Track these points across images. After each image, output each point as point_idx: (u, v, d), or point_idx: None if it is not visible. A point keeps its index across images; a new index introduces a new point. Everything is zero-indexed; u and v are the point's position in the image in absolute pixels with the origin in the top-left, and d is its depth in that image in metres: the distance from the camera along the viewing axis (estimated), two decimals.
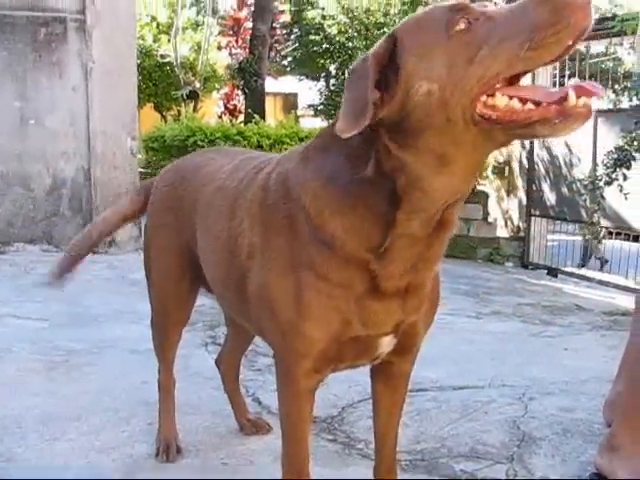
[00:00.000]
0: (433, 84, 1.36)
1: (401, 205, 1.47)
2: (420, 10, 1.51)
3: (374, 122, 1.41)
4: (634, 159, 5.95)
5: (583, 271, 7.30)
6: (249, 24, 17.43)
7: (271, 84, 18.18)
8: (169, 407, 2.52)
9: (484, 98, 1.35)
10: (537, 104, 1.33)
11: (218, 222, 1.94)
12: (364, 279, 1.57)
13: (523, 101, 1.34)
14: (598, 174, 6.23)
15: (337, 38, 16.01)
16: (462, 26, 1.35)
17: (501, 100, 1.35)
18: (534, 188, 7.76)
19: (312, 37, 16.39)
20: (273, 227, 1.67)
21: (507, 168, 8.17)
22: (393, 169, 1.45)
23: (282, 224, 1.64)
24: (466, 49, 1.34)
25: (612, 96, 6.82)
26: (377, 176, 1.48)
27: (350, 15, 15.60)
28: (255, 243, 1.73)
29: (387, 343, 1.71)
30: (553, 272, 7.47)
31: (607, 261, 8.02)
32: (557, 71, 7.36)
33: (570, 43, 1.30)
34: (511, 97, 1.34)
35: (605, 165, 6.11)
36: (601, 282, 6.75)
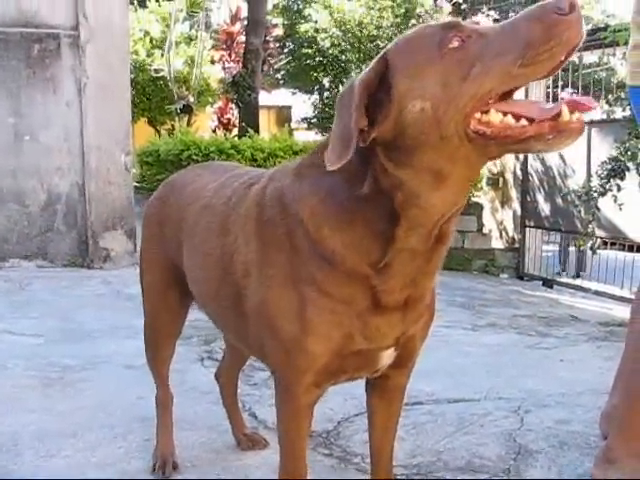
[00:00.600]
0: (426, 102, 1.37)
1: (399, 221, 1.48)
2: (411, 28, 1.52)
3: (367, 143, 1.42)
4: (628, 169, 5.98)
5: (579, 282, 7.32)
6: (242, 38, 17.51)
7: (265, 97, 18.24)
8: (167, 423, 2.52)
9: (478, 115, 1.36)
10: (531, 120, 1.34)
11: (207, 240, 1.94)
12: (365, 294, 1.58)
13: (517, 117, 1.35)
14: (592, 185, 6.25)
15: (330, 51, 16.10)
16: (455, 44, 1.36)
17: (495, 116, 1.36)
18: (528, 199, 7.78)
19: (305, 50, 16.48)
20: (271, 243, 1.67)
21: (501, 179, 8.20)
22: (390, 187, 1.46)
23: (280, 240, 1.65)
24: (459, 66, 1.35)
25: (605, 107, 6.86)
26: (374, 194, 1.49)
27: (343, 28, 15.68)
28: (251, 260, 1.73)
29: (388, 356, 1.71)
30: (548, 283, 7.49)
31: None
32: (550, 82, 7.40)
33: (562, 59, 1.31)
34: (505, 113, 1.36)
35: (599, 176, 6.14)
36: (597, 293, 6.76)
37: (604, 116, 6.82)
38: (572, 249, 7.88)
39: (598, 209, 6.32)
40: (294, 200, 1.62)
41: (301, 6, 17.83)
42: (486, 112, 1.36)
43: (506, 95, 1.39)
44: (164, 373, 2.50)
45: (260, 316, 1.70)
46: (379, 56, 1.45)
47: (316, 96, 17.78)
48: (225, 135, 14.33)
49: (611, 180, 6.05)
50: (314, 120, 17.64)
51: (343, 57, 15.98)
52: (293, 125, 20.02)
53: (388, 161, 1.45)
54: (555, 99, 8.02)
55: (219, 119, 19.01)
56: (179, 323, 2.41)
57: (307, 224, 1.58)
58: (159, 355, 2.47)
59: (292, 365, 1.67)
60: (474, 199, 8.33)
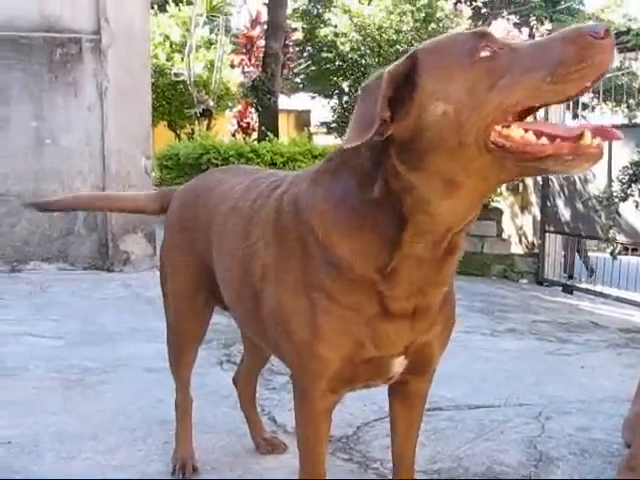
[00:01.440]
0: (450, 106, 1.36)
1: (406, 226, 1.49)
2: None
3: (383, 138, 1.42)
4: None
5: (599, 287, 7.25)
6: (262, 42, 17.52)
7: (284, 101, 18.26)
8: (186, 426, 2.52)
9: (499, 127, 1.36)
10: (552, 139, 1.34)
11: (232, 241, 1.95)
12: (373, 301, 1.58)
13: (538, 135, 1.35)
14: (613, 190, 6.21)
15: (350, 55, 16.10)
16: (486, 53, 1.37)
17: (516, 131, 1.36)
18: (548, 204, 7.74)
19: (325, 54, 16.49)
20: (286, 248, 1.68)
21: (521, 184, 8.16)
22: (400, 190, 1.46)
23: (294, 246, 1.66)
24: (488, 76, 1.35)
25: (627, 111, 6.81)
26: (384, 197, 1.49)
27: (363, 32, 15.68)
28: (268, 264, 1.74)
29: (399, 364, 1.71)
30: (568, 289, 7.43)
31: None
32: None
33: (591, 82, 1.32)
34: (526, 130, 1.36)
35: (620, 181, 6.09)
36: (617, 299, 6.71)
37: (625, 120, 6.77)
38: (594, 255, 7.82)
39: (619, 214, 6.27)
40: (307, 207, 1.64)
41: (321, 10, 17.86)
42: (507, 126, 1.36)
43: (527, 114, 1.40)
44: (186, 377, 2.50)
45: (275, 319, 1.72)
46: (409, 54, 1.45)
47: (335, 100, 17.80)
48: (244, 139, 14.35)
49: (632, 185, 6.01)
50: (333, 124, 17.65)
51: (363, 61, 15.97)
52: (312, 129, 19.98)
53: (401, 163, 1.45)
54: (576, 103, 7.97)
55: (239, 123, 19.05)
56: (204, 328, 2.41)
57: (317, 231, 1.59)
58: (182, 359, 2.47)
59: (306, 369, 1.69)
60: (493, 204, 8.29)
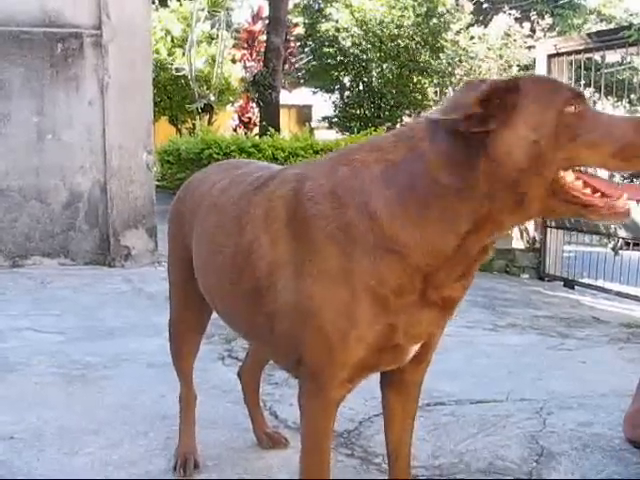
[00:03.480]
0: (542, 139, 1.50)
1: (477, 228, 1.57)
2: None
3: (484, 128, 1.51)
4: None
5: (600, 282, 7.25)
6: (263, 37, 17.52)
7: (285, 96, 18.28)
8: (189, 421, 2.52)
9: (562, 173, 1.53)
10: (595, 191, 1.55)
11: (217, 239, 1.97)
12: (416, 289, 1.63)
13: (586, 185, 1.55)
14: None
15: (351, 50, 16.07)
16: (574, 109, 1.53)
17: (570, 176, 1.53)
18: None
19: (326, 49, 16.47)
20: (314, 240, 1.67)
21: None
22: (487, 191, 1.54)
23: (330, 234, 1.64)
24: (573, 129, 1.51)
25: (628, 106, 6.81)
26: (467, 191, 1.55)
27: (364, 27, 15.64)
28: (281, 259, 1.73)
29: (412, 351, 1.77)
30: (570, 284, 7.43)
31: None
32: (572, 80, 7.35)
33: None
34: (578, 177, 1.54)
35: (622, 176, 6.08)
36: (619, 294, 6.70)
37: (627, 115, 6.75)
38: (595, 250, 7.80)
39: None
40: (358, 192, 1.63)
41: (322, 5, 17.81)
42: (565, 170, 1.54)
43: None
44: (188, 370, 2.52)
45: (299, 312, 1.70)
46: (512, 78, 1.59)
47: (337, 95, 17.76)
48: (246, 134, 14.39)
49: (634, 180, 6.00)
50: (335, 119, 17.61)
51: (364, 56, 15.93)
52: (314, 124, 20.01)
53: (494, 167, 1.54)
54: None
55: (240, 118, 19.06)
56: (203, 319, 2.43)
57: (380, 216, 1.60)
58: (182, 350, 2.49)
59: (330, 359, 1.69)
60: None
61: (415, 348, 1.75)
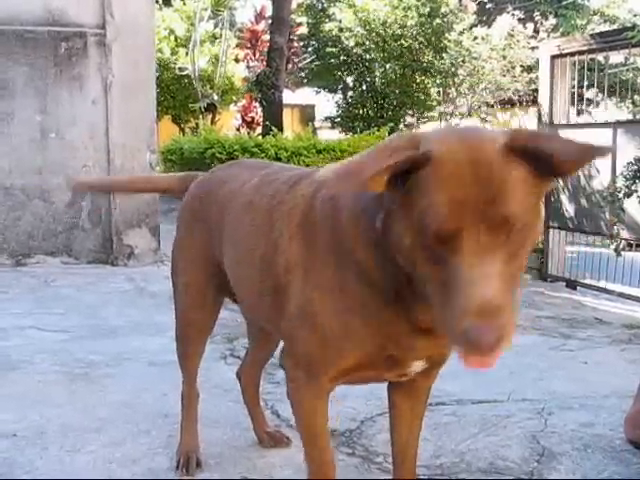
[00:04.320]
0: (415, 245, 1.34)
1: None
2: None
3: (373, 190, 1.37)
4: None
5: (603, 283, 7.24)
6: (266, 37, 17.55)
7: (288, 96, 18.27)
8: (191, 419, 2.52)
9: None
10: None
11: (250, 237, 1.96)
12: (401, 313, 1.57)
13: None
14: (618, 185, 6.19)
15: (354, 50, 16.07)
16: None
17: None
18: (552, 199, 7.72)
19: (329, 49, 16.46)
20: (319, 244, 1.69)
21: None
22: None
23: (329, 243, 1.66)
24: None
25: (631, 107, 6.79)
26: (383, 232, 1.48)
27: (367, 27, 15.64)
28: (294, 259, 1.74)
29: (417, 366, 1.73)
30: (572, 284, 7.42)
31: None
32: (575, 82, 7.34)
33: None
34: None
35: (625, 177, 6.08)
36: (621, 295, 6.69)
37: (630, 116, 6.75)
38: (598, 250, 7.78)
39: (623, 210, 6.25)
40: (340, 210, 1.63)
41: (325, 5, 17.80)
42: None
43: None
44: (193, 370, 2.51)
45: (302, 312, 1.71)
46: (424, 151, 1.32)
47: (340, 95, 17.75)
48: (249, 133, 14.40)
49: (637, 181, 5.99)
50: (338, 119, 17.61)
51: (367, 56, 15.94)
52: (317, 124, 20.03)
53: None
54: (581, 99, 7.95)
55: (243, 117, 19.09)
56: (213, 320, 2.43)
57: (346, 235, 1.60)
58: (191, 351, 2.48)
59: (323, 359, 1.70)
60: None
61: (418, 363, 1.71)
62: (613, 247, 6.50)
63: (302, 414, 1.83)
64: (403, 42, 15.34)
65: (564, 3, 20.26)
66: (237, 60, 18.82)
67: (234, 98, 18.12)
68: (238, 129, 18.02)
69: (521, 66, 14.72)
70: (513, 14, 15.80)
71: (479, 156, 1.29)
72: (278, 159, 8.92)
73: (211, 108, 16.20)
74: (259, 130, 15.94)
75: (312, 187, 1.78)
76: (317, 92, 19.04)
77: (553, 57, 7.30)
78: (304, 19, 18.98)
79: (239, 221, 2.05)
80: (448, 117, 15.40)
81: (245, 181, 2.13)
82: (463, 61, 14.90)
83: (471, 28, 15.42)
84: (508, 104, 15.65)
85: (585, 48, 6.93)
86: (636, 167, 5.97)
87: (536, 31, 15.62)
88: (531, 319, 5.26)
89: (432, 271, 1.32)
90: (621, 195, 6.12)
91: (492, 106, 15.69)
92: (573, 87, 7.49)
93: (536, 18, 16.84)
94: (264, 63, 15.84)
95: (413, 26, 15.25)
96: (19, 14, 6.47)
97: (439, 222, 1.26)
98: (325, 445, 1.84)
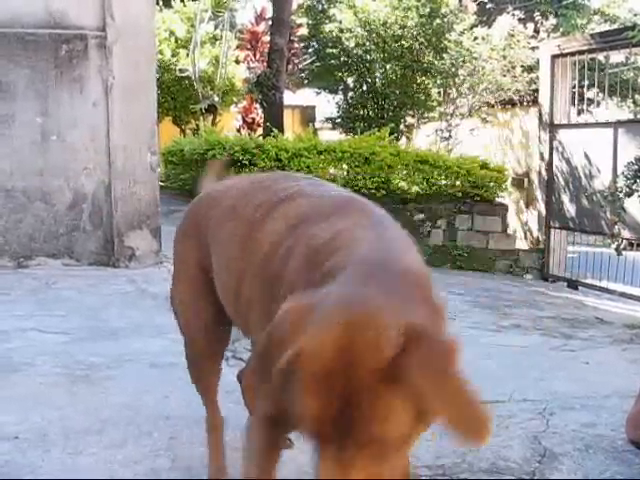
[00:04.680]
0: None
1: None
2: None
3: None
4: None
5: (604, 283, 7.24)
6: (267, 38, 17.55)
7: (289, 97, 18.27)
8: (218, 446, 2.37)
9: None
10: None
11: (231, 250, 1.93)
12: None
13: None
14: (618, 185, 6.20)
15: (354, 51, 16.06)
16: None
17: None
18: (553, 200, 7.73)
19: (330, 50, 16.45)
20: (293, 264, 1.63)
21: (526, 180, 8.15)
22: None
23: (299, 267, 1.59)
24: None
25: (632, 106, 6.80)
26: None
27: (367, 28, 15.63)
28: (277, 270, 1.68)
29: None
30: (573, 284, 7.43)
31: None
32: (576, 82, 7.35)
33: None
34: None
35: (625, 176, 6.08)
36: (623, 294, 6.70)
37: (631, 116, 6.76)
38: (599, 250, 7.78)
39: (624, 210, 6.25)
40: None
41: (326, 6, 17.79)
42: None
43: None
44: (212, 394, 2.37)
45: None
46: (294, 354, 1.23)
47: (340, 96, 17.73)
48: (249, 135, 14.39)
49: (637, 181, 5.99)
50: (338, 120, 17.60)
51: (367, 57, 15.93)
52: (317, 125, 20.04)
53: None
54: (581, 98, 7.95)
55: (244, 119, 19.11)
56: (221, 343, 2.31)
57: None
58: (204, 375, 2.34)
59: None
60: (499, 200, 8.27)
61: None
62: (614, 247, 6.51)
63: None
64: (403, 43, 15.32)
65: (564, 3, 20.27)
66: (237, 61, 18.83)
67: (235, 99, 18.14)
68: (239, 130, 18.03)
69: (521, 66, 14.69)
70: (513, 14, 15.76)
71: (352, 372, 1.19)
72: (279, 160, 8.93)
73: (212, 109, 16.20)
74: (260, 131, 15.95)
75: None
76: (317, 93, 19.03)
77: (553, 57, 7.31)
78: (304, 20, 18.97)
79: (221, 233, 2.02)
80: (449, 117, 15.35)
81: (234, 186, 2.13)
82: (463, 61, 14.87)
83: (471, 28, 15.40)
84: (509, 104, 15.62)
85: (585, 48, 6.94)
86: (637, 167, 5.98)
87: (536, 31, 15.58)
88: (532, 319, 5.27)
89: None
90: (622, 195, 6.13)
91: (493, 106, 15.66)
92: (574, 87, 7.49)
93: (536, 18, 16.81)
94: (264, 64, 15.83)
95: (413, 27, 15.23)
96: (20, 17, 6.47)
97: (304, 422, 1.22)
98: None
